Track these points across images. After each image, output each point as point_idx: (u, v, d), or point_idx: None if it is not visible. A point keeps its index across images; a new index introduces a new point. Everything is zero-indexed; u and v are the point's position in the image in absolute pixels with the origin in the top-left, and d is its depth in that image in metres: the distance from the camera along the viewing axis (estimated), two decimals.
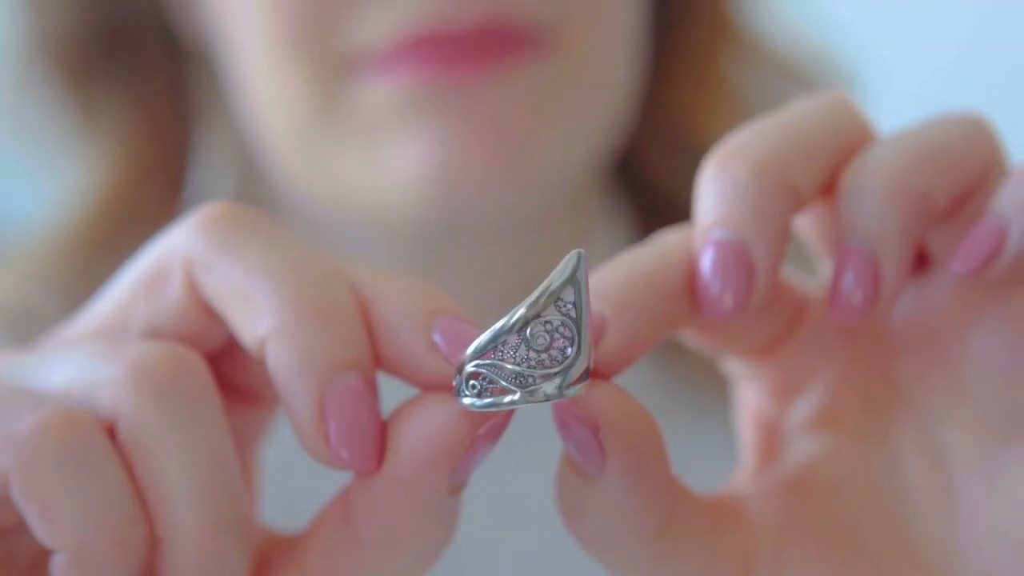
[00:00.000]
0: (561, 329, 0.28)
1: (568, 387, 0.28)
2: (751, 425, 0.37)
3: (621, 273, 0.31)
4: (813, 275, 0.37)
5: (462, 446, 0.28)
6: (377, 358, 0.30)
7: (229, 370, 0.33)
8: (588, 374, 0.28)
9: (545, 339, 0.28)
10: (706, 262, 0.31)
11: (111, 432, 0.29)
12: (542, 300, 0.28)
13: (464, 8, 0.51)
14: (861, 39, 0.74)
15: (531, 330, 0.28)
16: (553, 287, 0.28)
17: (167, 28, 0.64)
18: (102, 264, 0.52)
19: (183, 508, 0.28)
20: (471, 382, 0.28)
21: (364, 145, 0.53)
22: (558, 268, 0.28)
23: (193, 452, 0.29)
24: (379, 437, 0.29)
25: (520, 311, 0.28)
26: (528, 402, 0.28)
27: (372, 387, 0.29)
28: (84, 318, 0.33)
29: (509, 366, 0.28)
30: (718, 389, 0.60)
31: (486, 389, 0.28)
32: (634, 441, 0.29)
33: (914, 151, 0.32)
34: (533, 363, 0.28)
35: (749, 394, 0.37)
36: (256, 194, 0.63)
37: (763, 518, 0.34)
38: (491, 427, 0.29)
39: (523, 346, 0.28)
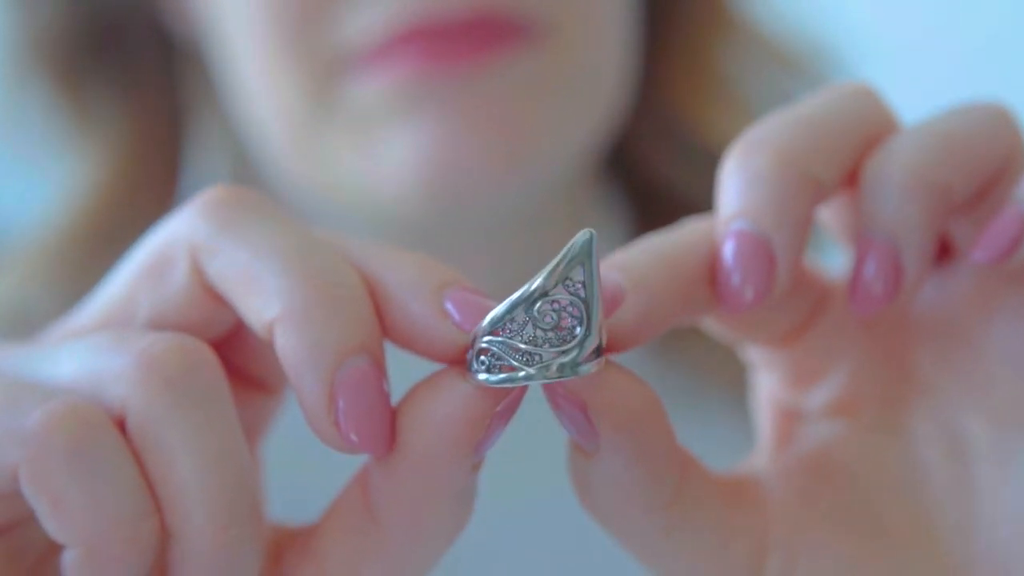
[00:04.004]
0: (569, 308, 0.28)
1: (579, 365, 0.28)
2: (768, 411, 0.37)
3: (643, 251, 0.31)
4: (821, 253, 0.37)
5: (482, 424, 0.28)
6: (388, 331, 0.30)
7: (235, 356, 0.33)
8: (600, 352, 0.28)
9: (553, 318, 0.28)
10: (727, 253, 0.31)
11: (121, 425, 0.28)
12: (551, 278, 0.28)
13: (452, 0, 0.51)
14: (854, 26, 0.74)
15: (539, 308, 0.28)
16: (563, 265, 0.28)
17: (158, 26, 0.64)
18: (98, 264, 0.52)
19: (194, 501, 0.28)
20: (481, 357, 0.28)
21: (358, 141, 0.53)
22: (568, 246, 0.28)
23: (204, 444, 0.28)
24: (389, 419, 0.29)
25: (533, 285, 0.28)
26: (538, 379, 0.28)
27: (381, 369, 0.29)
28: (88, 308, 0.32)
29: (518, 343, 0.28)
30: (719, 378, 0.60)
31: (495, 366, 0.28)
32: (625, 417, 0.29)
33: (936, 142, 0.32)
34: (541, 341, 0.28)
35: (767, 381, 0.37)
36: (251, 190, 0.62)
37: (780, 498, 0.34)
38: (506, 404, 0.29)
39: (530, 324, 0.28)
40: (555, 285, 0.28)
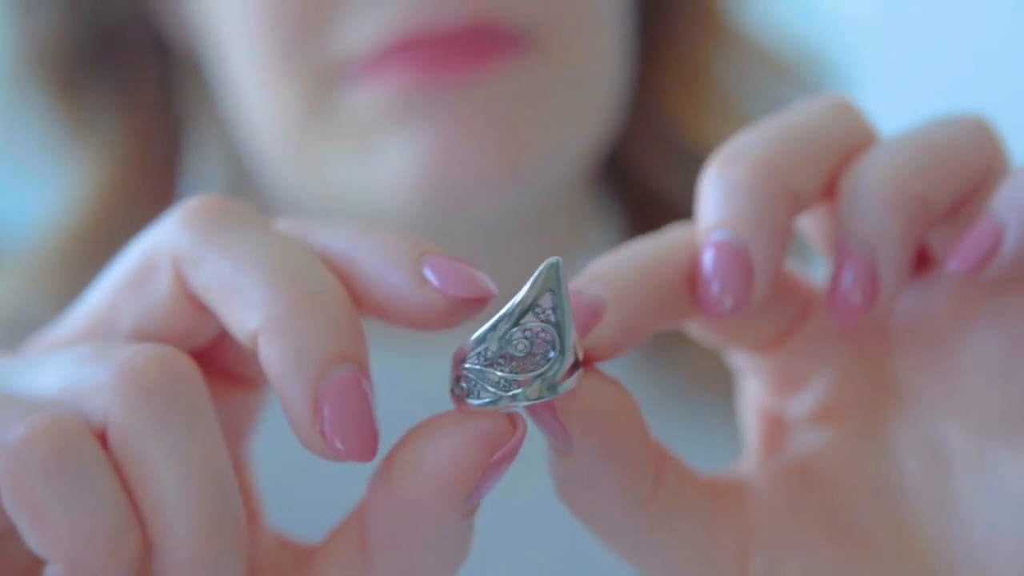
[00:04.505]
0: (542, 334, 0.28)
1: (557, 384, 0.28)
2: (755, 416, 0.37)
3: (623, 260, 0.31)
4: (808, 264, 0.37)
5: (476, 472, 0.28)
6: (367, 305, 0.30)
7: (219, 356, 0.33)
8: (577, 366, 0.29)
9: (525, 345, 0.28)
10: (706, 262, 0.31)
11: (102, 438, 0.28)
12: (519, 309, 0.28)
13: (449, 9, 0.51)
14: (846, 34, 0.74)
15: (511, 336, 0.28)
16: (531, 296, 0.28)
17: (156, 34, 0.64)
18: (95, 271, 0.52)
19: (176, 513, 0.28)
20: (460, 383, 0.29)
21: (355, 150, 0.53)
22: (534, 276, 0.28)
23: (185, 456, 0.28)
24: (373, 427, 0.29)
25: (500, 316, 0.28)
26: (521, 401, 0.28)
27: (366, 376, 0.29)
28: (70, 318, 0.32)
29: (492, 371, 0.28)
30: (709, 380, 0.60)
31: (472, 391, 0.28)
32: (595, 418, 0.29)
33: (915, 155, 0.32)
34: (516, 367, 0.28)
35: (752, 386, 0.37)
36: (248, 200, 0.63)
37: (766, 502, 0.34)
38: (504, 452, 0.29)
39: (505, 352, 0.28)
40: (524, 315, 0.28)
